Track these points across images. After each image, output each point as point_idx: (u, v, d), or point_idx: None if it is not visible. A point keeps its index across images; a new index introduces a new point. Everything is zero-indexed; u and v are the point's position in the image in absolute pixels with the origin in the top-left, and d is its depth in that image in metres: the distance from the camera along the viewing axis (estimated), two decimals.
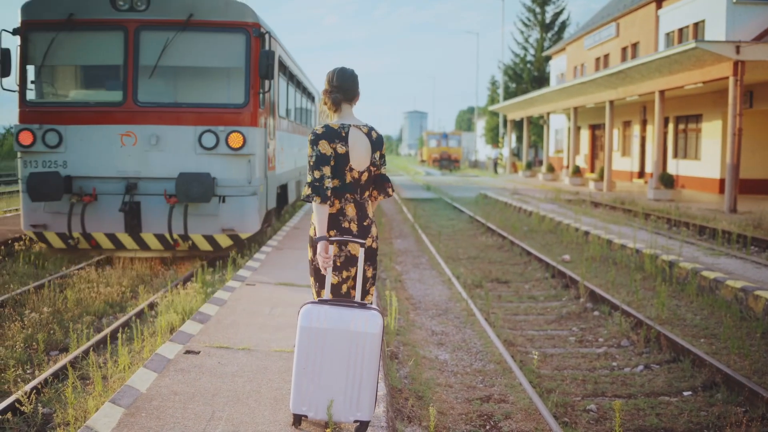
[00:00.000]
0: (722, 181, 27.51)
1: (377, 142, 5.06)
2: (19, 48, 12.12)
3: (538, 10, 58.67)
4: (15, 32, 12.11)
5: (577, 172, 38.11)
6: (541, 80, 59.02)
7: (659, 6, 33.47)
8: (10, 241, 13.85)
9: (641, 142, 36.12)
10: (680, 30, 31.55)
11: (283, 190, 16.48)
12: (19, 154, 12.24)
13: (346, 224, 4.93)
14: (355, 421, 4.63)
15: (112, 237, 12.28)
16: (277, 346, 6.68)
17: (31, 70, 12.32)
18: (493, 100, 71.15)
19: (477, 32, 73.52)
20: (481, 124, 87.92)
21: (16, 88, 12.22)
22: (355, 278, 5.05)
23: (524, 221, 21.44)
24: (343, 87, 5.01)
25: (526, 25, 59.49)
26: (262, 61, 12.05)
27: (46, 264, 12.90)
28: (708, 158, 29.05)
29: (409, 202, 29.92)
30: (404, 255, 15.98)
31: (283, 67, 15.41)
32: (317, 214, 4.80)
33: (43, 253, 13.46)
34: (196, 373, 5.82)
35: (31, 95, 12.34)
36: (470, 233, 19.93)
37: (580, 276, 12.05)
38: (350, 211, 4.95)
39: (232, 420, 4.85)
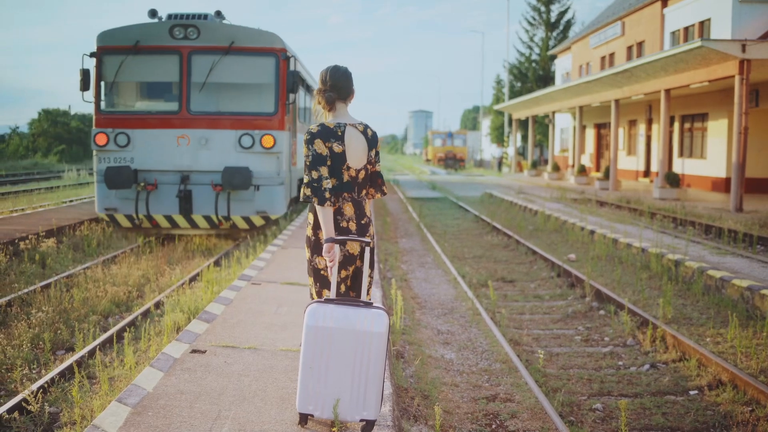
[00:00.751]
0: (728, 180, 27.44)
1: (373, 140, 5.07)
2: (95, 68, 14.93)
3: (543, 9, 58.55)
4: (92, 55, 14.99)
5: (582, 171, 38.05)
6: (547, 79, 58.93)
7: (665, 5, 33.39)
8: (16, 240, 13.87)
9: (647, 141, 36.05)
10: (686, 29, 31.48)
11: (301, 182, 18.72)
12: (94, 152, 15.07)
13: (344, 223, 4.93)
14: (362, 420, 4.63)
15: (169, 218, 15.05)
16: (283, 345, 6.68)
17: (104, 85, 15.10)
18: (498, 99, 71.07)
19: (482, 31, 73.64)
20: (486, 124, 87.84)
21: (93, 99, 14.98)
22: (353, 277, 5.06)
23: (530, 220, 21.43)
24: (337, 85, 5.00)
25: (531, 24, 59.40)
26: (288, 79, 14.91)
27: (52, 263, 12.93)
28: (714, 157, 28.99)
29: (414, 201, 29.91)
30: (410, 254, 15.98)
31: (302, 80, 17.98)
32: (321, 216, 4.80)
33: (51, 252, 13.50)
34: (203, 373, 5.82)
35: (104, 105, 15.10)
36: (476, 232, 19.92)
37: (585, 275, 12.04)
38: (348, 210, 4.95)
39: (238, 419, 4.86)
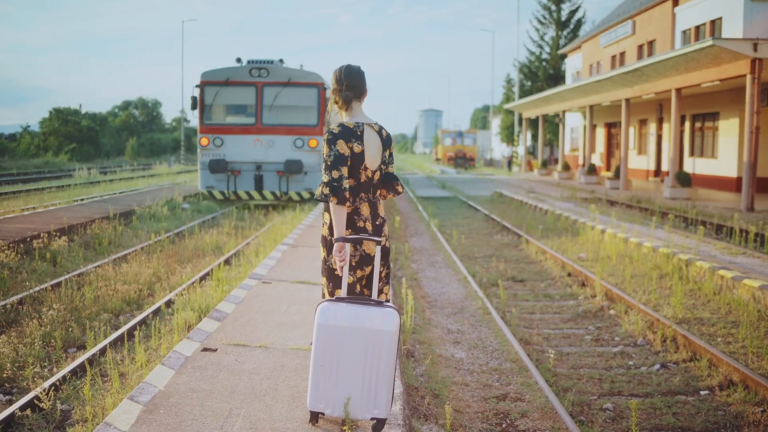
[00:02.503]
0: (739, 180, 27.32)
1: (387, 141, 5.05)
2: (199, 95, 22.77)
3: (553, 8, 58.38)
4: (197, 86, 22.88)
5: (592, 170, 37.96)
6: (557, 78, 58.80)
7: (676, 3, 33.27)
8: (28, 239, 13.93)
9: (657, 140, 35.94)
10: (697, 27, 31.37)
11: None
12: (199, 150, 22.94)
13: (361, 223, 4.92)
14: (372, 419, 4.63)
15: (248, 193, 22.76)
16: (294, 344, 6.69)
17: (206, 107, 22.77)
18: (508, 98, 70.94)
19: (492, 30, 73.37)
20: (496, 123, 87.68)
21: (198, 115, 22.89)
22: (369, 277, 5.04)
23: (540, 219, 21.39)
24: (353, 84, 4.98)
25: (541, 23, 59.25)
26: (325, 102, 21.75)
27: (63, 262, 12.99)
28: (725, 156, 28.88)
29: (424, 200, 29.90)
30: (420, 253, 15.98)
31: None
32: (335, 215, 4.78)
33: (62, 251, 13.55)
34: (214, 371, 5.84)
35: (205, 119, 22.82)
36: (486, 231, 19.90)
37: (596, 274, 12.02)
38: (365, 210, 4.94)
39: (249, 417, 4.87)
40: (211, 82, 22.80)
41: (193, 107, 22.90)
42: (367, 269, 4.99)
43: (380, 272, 4.98)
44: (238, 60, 23.02)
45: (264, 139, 22.59)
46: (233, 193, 22.71)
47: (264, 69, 22.54)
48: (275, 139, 22.55)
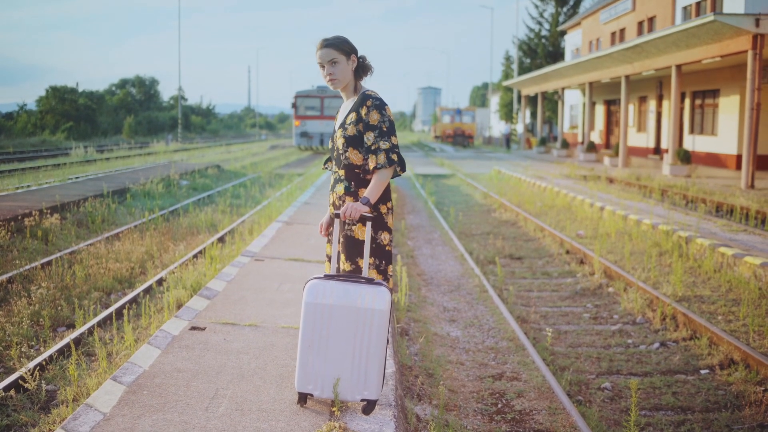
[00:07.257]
0: (739, 157, 27.12)
1: None
2: (294, 102, 48.79)
3: None
4: (294, 97, 48.68)
5: (591, 148, 37.74)
6: (556, 55, 58.42)
7: None
8: (20, 217, 13.75)
9: (657, 117, 35.70)
10: (698, 3, 31.04)
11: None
12: (294, 127, 49.01)
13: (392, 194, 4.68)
14: (362, 400, 4.47)
15: (315, 147, 48.72)
16: (285, 323, 6.54)
17: (297, 107, 48.66)
18: (507, 75, 70.49)
19: (491, 7, 72.67)
20: (495, 100, 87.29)
21: (293, 111, 49.32)
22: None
23: (538, 197, 21.21)
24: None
25: None
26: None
27: (55, 240, 12.82)
28: (725, 134, 28.65)
29: (422, 177, 29.71)
30: (416, 230, 15.82)
31: None
32: (384, 183, 4.47)
33: (54, 229, 13.38)
34: (201, 350, 5.68)
35: (297, 112, 48.72)
36: (484, 209, 19.74)
37: (594, 252, 11.86)
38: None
39: (236, 398, 4.71)
40: (300, 95, 47.55)
41: (292, 107, 47.86)
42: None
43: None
44: (312, 85, 48.02)
45: (323, 122, 46.67)
46: (309, 147, 47.62)
47: (324, 89, 47.13)
48: (329, 121, 45.54)
